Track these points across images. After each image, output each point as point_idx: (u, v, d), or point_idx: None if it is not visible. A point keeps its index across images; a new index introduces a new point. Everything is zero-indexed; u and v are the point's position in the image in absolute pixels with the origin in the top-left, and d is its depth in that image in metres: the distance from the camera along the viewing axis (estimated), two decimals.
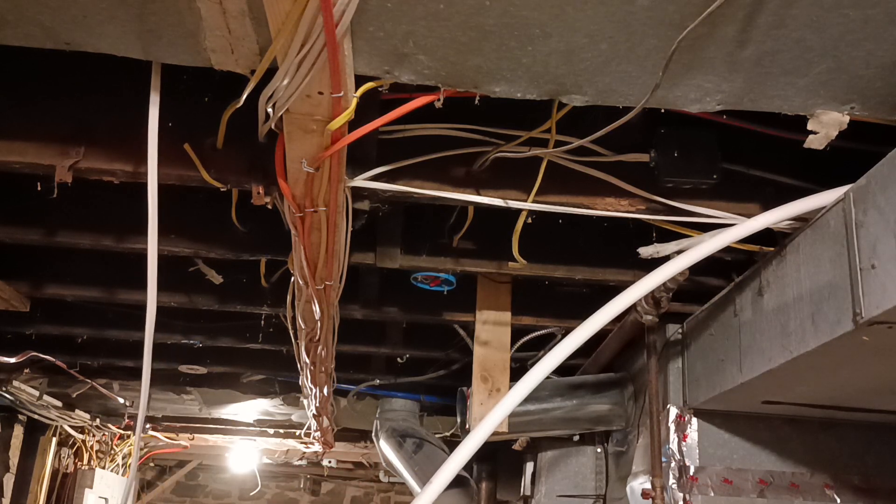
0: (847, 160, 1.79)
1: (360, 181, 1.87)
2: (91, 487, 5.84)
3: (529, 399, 1.92)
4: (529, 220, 2.09)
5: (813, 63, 1.48)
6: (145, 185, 1.61)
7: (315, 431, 4.77)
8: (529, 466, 3.92)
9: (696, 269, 2.07)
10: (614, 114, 1.62)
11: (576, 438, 3.58)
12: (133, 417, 5.44)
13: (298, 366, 3.14)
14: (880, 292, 1.59)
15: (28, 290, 2.88)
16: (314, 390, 3.53)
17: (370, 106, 1.61)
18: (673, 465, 2.67)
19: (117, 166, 1.86)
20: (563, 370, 3.09)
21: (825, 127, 1.65)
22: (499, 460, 4.78)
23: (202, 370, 3.98)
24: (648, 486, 2.72)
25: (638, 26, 1.36)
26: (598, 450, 3.59)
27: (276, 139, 1.66)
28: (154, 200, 1.57)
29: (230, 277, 2.80)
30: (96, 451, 6.14)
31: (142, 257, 1.61)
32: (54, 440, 5.61)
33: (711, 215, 1.99)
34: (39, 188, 1.92)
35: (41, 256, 2.79)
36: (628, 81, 1.52)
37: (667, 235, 2.12)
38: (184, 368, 3.96)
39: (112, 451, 6.37)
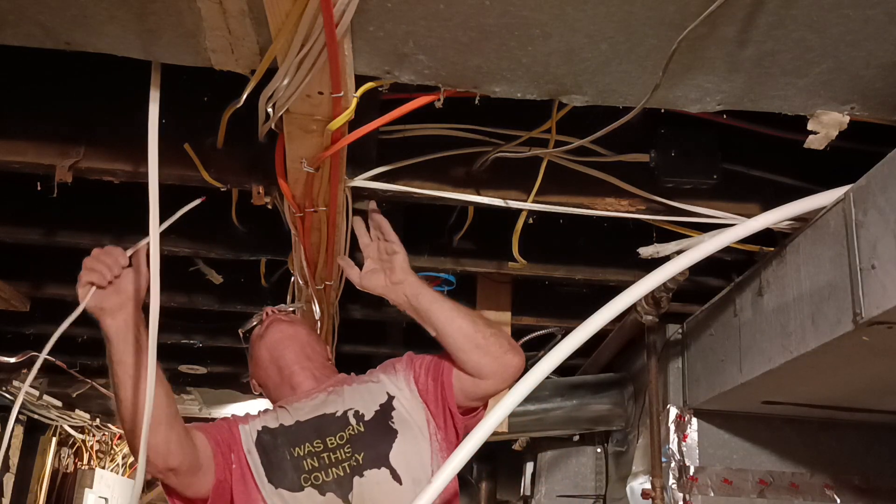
0: (847, 160, 1.79)
1: (360, 181, 1.87)
2: (91, 487, 5.84)
3: (529, 399, 1.92)
4: (530, 221, 2.09)
5: (813, 63, 1.47)
6: (145, 185, 1.60)
7: None
8: (529, 466, 3.92)
9: (696, 269, 2.07)
10: (614, 114, 1.62)
11: (576, 438, 3.58)
12: None
13: None
14: (880, 292, 1.59)
15: (28, 290, 2.88)
16: None
17: (370, 106, 1.61)
18: (673, 465, 2.67)
19: (117, 166, 1.85)
20: (563, 370, 3.09)
21: (825, 127, 1.65)
22: (499, 460, 4.78)
23: (202, 370, 3.97)
24: (648, 486, 2.72)
25: (638, 26, 1.36)
26: (598, 450, 3.59)
27: (276, 139, 1.66)
28: (155, 199, 1.57)
29: (230, 277, 2.80)
30: (96, 451, 6.15)
31: None
32: (54, 440, 5.61)
33: (711, 215, 1.98)
34: (39, 188, 1.92)
35: (41, 256, 2.79)
36: (628, 81, 1.52)
37: (667, 235, 2.12)
38: (184, 368, 3.96)
39: (112, 451, 6.38)
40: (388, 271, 1.84)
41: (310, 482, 1.75)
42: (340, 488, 1.73)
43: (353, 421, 1.79)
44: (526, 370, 1.75)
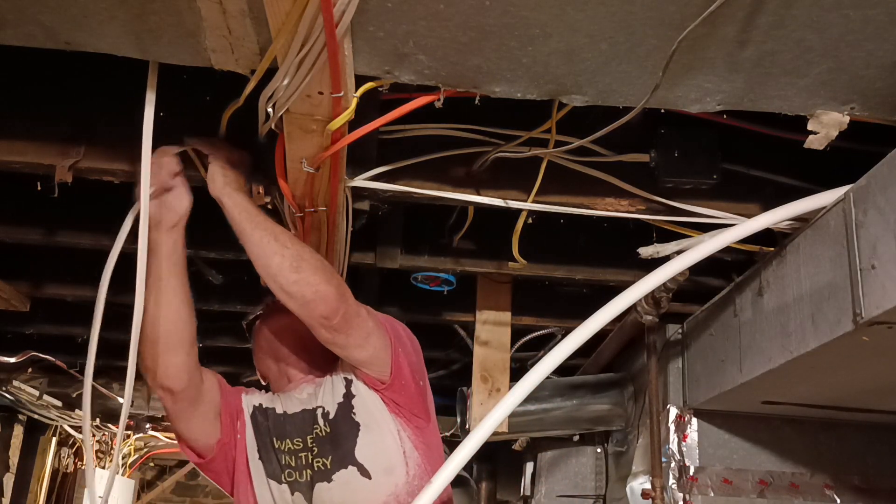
0: (847, 160, 1.79)
1: (360, 181, 1.87)
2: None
3: (529, 399, 1.92)
4: (530, 220, 2.09)
5: (813, 63, 1.47)
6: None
7: None
8: (529, 466, 3.92)
9: (696, 269, 2.07)
10: (614, 114, 1.62)
11: (576, 438, 3.58)
12: (134, 417, 5.44)
13: None
14: (880, 292, 1.59)
15: (28, 290, 2.87)
16: None
17: (370, 106, 1.61)
18: (673, 465, 2.67)
19: (117, 166, 1.86)
20: (563, 370, 3.09)
21: (825, 127, 1.65)
22: (499, 460, 4.78)
23: None
24: (648, 486, 2.72)
25: (638, 26, 1.36)
26: (598, 450, 3.59)
27: (276, 139, 1.66)
28: (146, 199, 1.59)
29: (230, 277, 2.80)
30: (96, 451, 6.14)
31: None
32: (54, 440, 5.61)
33: (711, 215, 1.98)
34: (39, 188, 1.92)
35: (41, 256, 2.79)
36: (628, 81, 1.52)
37: (667, 235, 2.12)
38: None
39: (112, 451, 6.37)
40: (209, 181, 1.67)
41: (285, 478, 1.75)
42: (309, 491, 1.73)
43: (320, 421, 1.78)
44: (526, 370, 1.75)
